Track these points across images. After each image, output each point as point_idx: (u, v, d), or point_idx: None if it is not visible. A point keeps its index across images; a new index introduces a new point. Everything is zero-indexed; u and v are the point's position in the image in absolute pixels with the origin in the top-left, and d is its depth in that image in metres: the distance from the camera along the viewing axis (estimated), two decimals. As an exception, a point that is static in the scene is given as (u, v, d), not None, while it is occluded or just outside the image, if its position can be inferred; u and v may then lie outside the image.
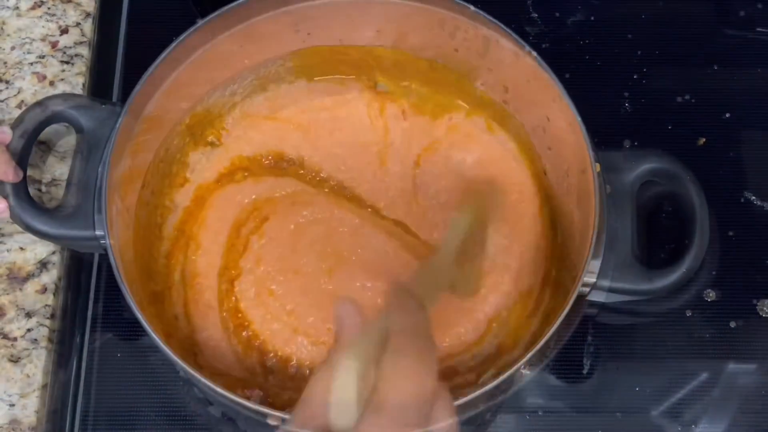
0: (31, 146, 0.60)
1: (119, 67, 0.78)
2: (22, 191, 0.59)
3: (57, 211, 0.59)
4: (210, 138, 0.72)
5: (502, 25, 0.63)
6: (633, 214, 0.60)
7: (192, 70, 0.65)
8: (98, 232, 0.58)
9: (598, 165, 0.60)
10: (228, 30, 0.65)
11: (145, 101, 0.62)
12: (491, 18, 0.63)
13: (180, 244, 0.69)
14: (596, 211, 0.57)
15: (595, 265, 0.59)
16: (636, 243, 0.59)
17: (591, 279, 0.59)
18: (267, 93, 0.73)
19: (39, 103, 0.61)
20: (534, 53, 0.62)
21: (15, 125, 0.60)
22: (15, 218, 0.59)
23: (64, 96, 0.62)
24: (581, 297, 0.59)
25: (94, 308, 0.69)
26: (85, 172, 0.60)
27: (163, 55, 0.61)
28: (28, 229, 0.59)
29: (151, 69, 0.61)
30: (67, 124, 0.66)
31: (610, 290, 0.59)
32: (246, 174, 0.72)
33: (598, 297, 0.60)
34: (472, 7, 0.64)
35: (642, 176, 0.61)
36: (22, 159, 0.59)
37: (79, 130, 0.61)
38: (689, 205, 0.60)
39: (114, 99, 0.76)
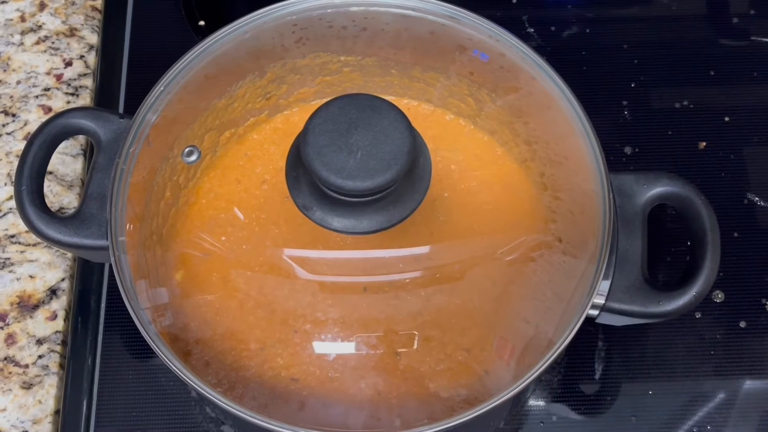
0: (49, 156, 0.61)
1: (123, 97, 0.79)
2: (37, 198, 0.59)
3: (71, 220, 0.59)
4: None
5: (522, 44, 0.63)
6: (643, 236, 0.60)
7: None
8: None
9: (610, 187, 0.60)
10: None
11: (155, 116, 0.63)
12: (510, 36, 0.63)
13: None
14: (608, 230, 0.58)
15: (605, 285, 0.59)
16: (646, 266, 0.59)
17: (600, 300, 0.59)
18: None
19: (59, 115, 0.62)
20: (555, 73, 0.62)
21: (35, 135, 0.60)
22: (28, 224, 0.59)
23: (83, 108, 0.63)
24: (590, 319, 0.59)
25: (105, 331, 0.69)
26: (102, 184, 0.60)
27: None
28: (42, 236, 0.59)
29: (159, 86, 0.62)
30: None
31: (619, 312, 0.59)
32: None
33: (606, 320, 0.60)
34: (491, 25, 0.63)
35: (653, 199, 0.61)
36: (40, 168, 0.60)
37: (97, 141, 0.62)
38: (701, 228, 0.60)
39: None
